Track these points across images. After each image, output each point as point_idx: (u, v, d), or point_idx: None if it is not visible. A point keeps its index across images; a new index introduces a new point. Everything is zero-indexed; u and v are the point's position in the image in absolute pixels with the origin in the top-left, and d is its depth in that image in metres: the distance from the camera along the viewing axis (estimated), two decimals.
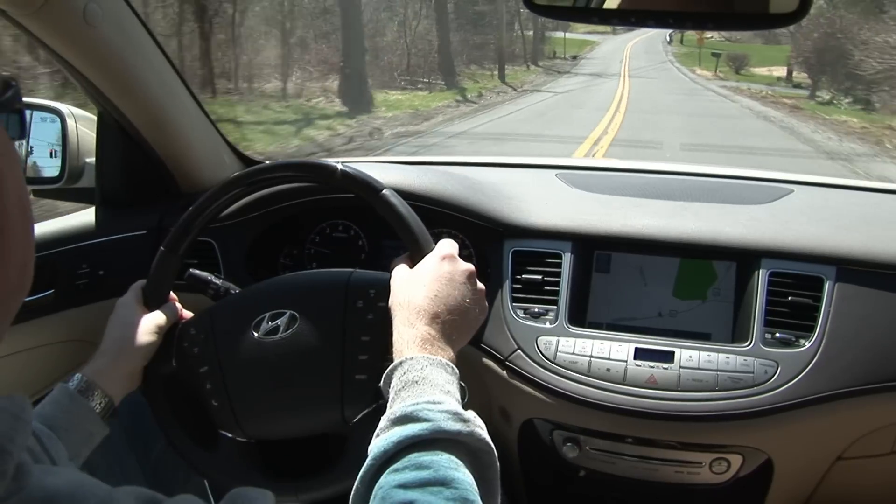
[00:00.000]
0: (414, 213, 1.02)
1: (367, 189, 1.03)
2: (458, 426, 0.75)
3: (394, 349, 0.88)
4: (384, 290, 0.99)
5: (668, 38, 50.71)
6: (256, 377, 1.03)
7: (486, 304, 0.97)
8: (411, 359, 0.83)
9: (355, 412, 0.99)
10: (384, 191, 1.02)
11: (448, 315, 0.89)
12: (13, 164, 0.53)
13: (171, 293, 1.12)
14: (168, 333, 1.07)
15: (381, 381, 0.85)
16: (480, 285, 0.96)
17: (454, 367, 0.85)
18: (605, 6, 1.01)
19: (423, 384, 0.80)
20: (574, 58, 38.38)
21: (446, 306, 0.89)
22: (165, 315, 1.07)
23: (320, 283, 1.06)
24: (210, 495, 1.23)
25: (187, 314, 1.13)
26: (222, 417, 1.04)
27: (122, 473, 1.11)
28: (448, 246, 0.98)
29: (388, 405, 0.81)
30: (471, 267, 0.96)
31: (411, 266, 0.97)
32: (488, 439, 0.77)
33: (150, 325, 1.05)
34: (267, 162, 1.24)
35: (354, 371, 1.00)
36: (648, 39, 52.85)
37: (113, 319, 1.06)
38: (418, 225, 1.01)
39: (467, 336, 0.93)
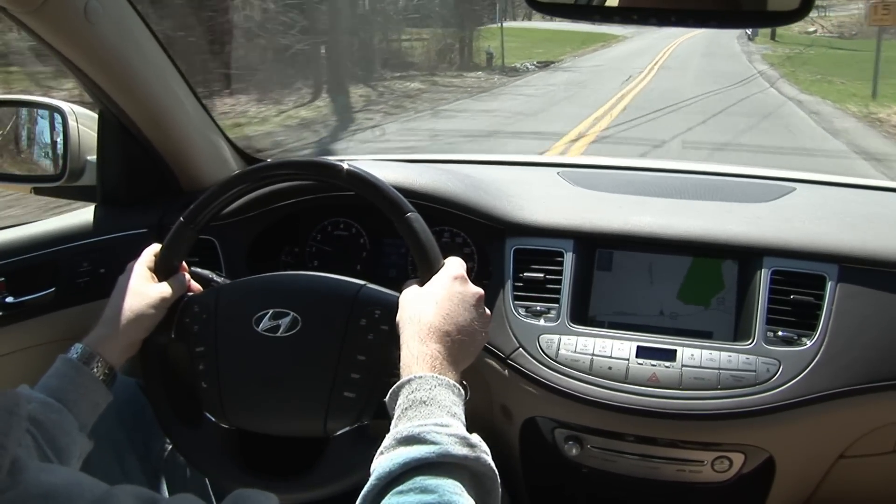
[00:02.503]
0: (433, 239, 1.01)
1: (392, 207, 1.02)
2: (464, 451, 0.75)
3: (402, 364, 0.87)
4: (390, 312, 0.99)
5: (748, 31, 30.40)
6: (248, 370, 1.04)
7: (489, 330, 0.97)
8: (420, 377, 0.82)
9: (337, 426, 1.01)
10: (409, 214, 1.01)
11: (458, 335, 0.89)
12: None
13: (183, 263, 1.12)
14: (172, 305, 1.08)
15: (387, 397, 0.85)
16: (487, 310, 0.97)
17: (461, 388, 0.85)
18: (607, 3, 1.01)
19: (431, 405, 0.80)
20: (545, 65, 19.46)
21: (457, 326, 0.89)
22: (172, 287, 1.07)
23: (329, 292, 1.06)
24: (211, 495, 1.24)
25: (196, 286, 1.13)
26: (209, 400, 1.05)
27: (123, 472, 1.12)
28: (458, 266, 0.98)
29: (393, 422, 0.81)
30: (480, 291, 0.96)
31: (421, 285, 0.97)
32: (493, 465, 0.77)
33: (155, 297, 1.05)
34: (269, 160, 1.24)
35: (344, 388, 1.00)
36: (712, 33, 31.25)
37: (119, 286, 1.06)
38: (435, 252, 1.01)
39: (471, 359, 0.92)
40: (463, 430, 0.78)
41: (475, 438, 0.78)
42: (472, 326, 0.91)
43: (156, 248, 1.12)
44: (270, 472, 1.04)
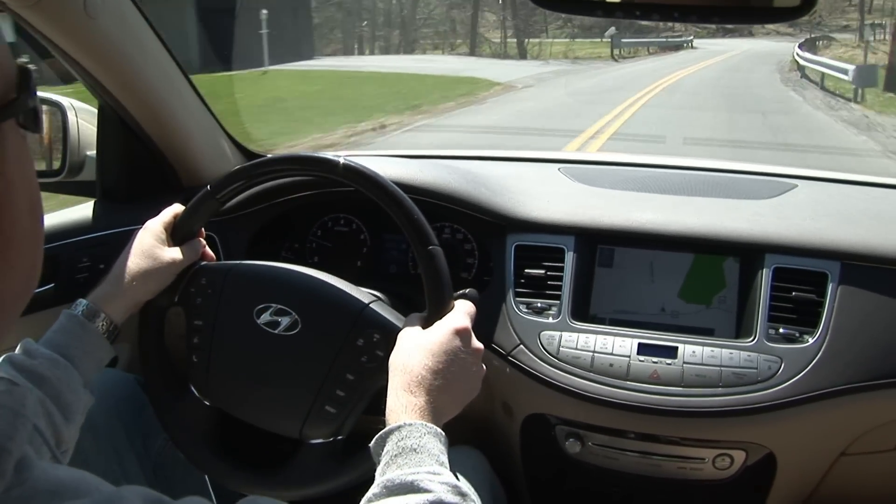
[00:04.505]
0: (449, 279, 0.99)
1: (418, 236, 0.99)
2: (457, 499, 0.75)
3: (388, 410, 0.86)
4: (388, 338, 0.97)
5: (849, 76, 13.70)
6: (239, 358, 1.05)
7: (480, 385, 0.95)
8: (410, 425, 0.82)
9: (313, 435, 1.02)
10: (431, 247, 0.99)
11: (445, 392, 0.88)
12: (26, 169, 0.51)
13: (202, 229, 1.13)
14: (182, 270, 1.09)
15: (372, 442, 0.84)
16: (483, 366, 0.95)
17: (445, 437, 0.84)
18: None
19: (422, 452, 0.79)
20: None
21: (447, 382, 0.88)
22: (185, 254, 1.08)
23: (334, 301, 1.05)
24: (211, 493, 1.24)
25: (210, 254, 1.14)
26: (196, 375, 1.07)
27: (121, 471, 1.11)
28: (465, 317, 0.95)
29: (380, 469, 0.80)
30: (480, 347, 0.94)
31: (424, 326, 0.95)
32: None
33: (166, 261, 1.06)
34: (270, 155, 1.24)
35: (326, 401, 1.01)
36: (722, 70, 21.10)
37: (133, 246, 1.06)
38: (448, 292, 0.99)
39: (456, 411, 0.91)
40: (454, 479, 0.78)
41: (465, 486, 0.78)
42: (460, 385, 0.90)
43: (176, 209, 1.12)
44: (238, 460, 1.06)
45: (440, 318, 0.95)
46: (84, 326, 0.98)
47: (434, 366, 0.88)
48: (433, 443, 0.81)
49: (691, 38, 41.88)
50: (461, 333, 0.92)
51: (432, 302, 0.98)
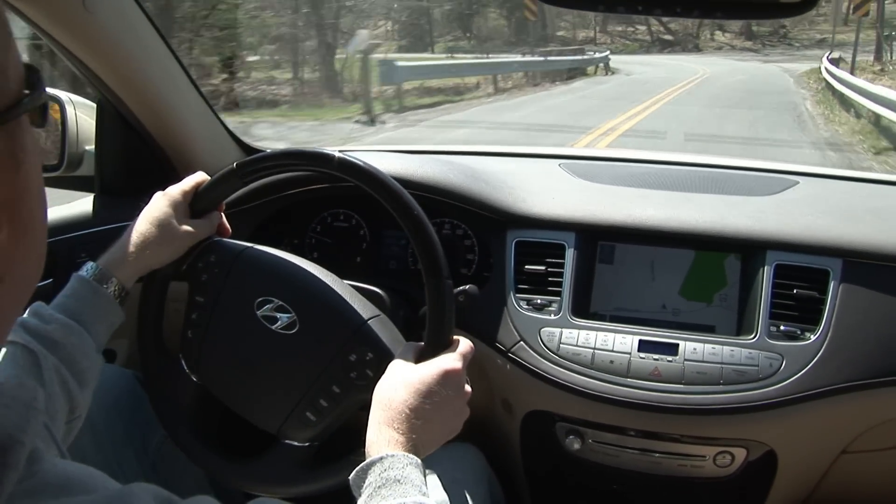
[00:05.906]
0: (453, 314, 0.96)
1: (430, 265, 0.96)
2: None
3: (367, 443, 0.85)
4: (381, 361, 0.96)
5: None
6: (233, 344, 1.06)
7: (461, 426, 0.93)
8: (392, 456, 0.81)
9: (290, 436, 1.02)
10: (442, 280, 0.96)
11: (425, 431, 0.87)
12: (37, 161, 0.53)
13: (223, 203, 1.13)
14: (195, 244, 1.09)
15: (352, 474, 0.82)
16: (468, 409, 0.93)
17: (424, 468, 0.83)
18: None
19: (406, 483, 0.78)
20: None
21: (427, 422, 0.87)
22: (201, 228, 1.08)
23: (336, 310, 1.04)
24: (209, 488, 1.23)
25: (227, 227, 1.14)
26: (187, 349, 1.08)
27: (120, 467, 1.11)
28: (460, 359, 0.92)
29: (363, 501, 0.79)
30: (468, 391, 0.93)
31: (418, 360, 0.92)
32: None
33: (181, 233, 1.05)
34: (269, 150, 1.23)
35: (309, 407, 1.01)
36: (716, 121, 9.55)
37: (149, 211, 1.06)
38: (450, 329, 0.96)
39: (433, 449, 0.90)
40: None
41: None
42: (440, 427, 0.89)
43: (199, 177, 1.11)
44: (214, 443, 1.07)
45: (435, 356, 0.92)
46: (96, 291, 0.98)
47: (417, 405, 0.86)
48: (415, 473, 0.80)
49: (607, 53, 24.07)
50: (452, 376, 0.90)
51: (431, 337, 0.95)
